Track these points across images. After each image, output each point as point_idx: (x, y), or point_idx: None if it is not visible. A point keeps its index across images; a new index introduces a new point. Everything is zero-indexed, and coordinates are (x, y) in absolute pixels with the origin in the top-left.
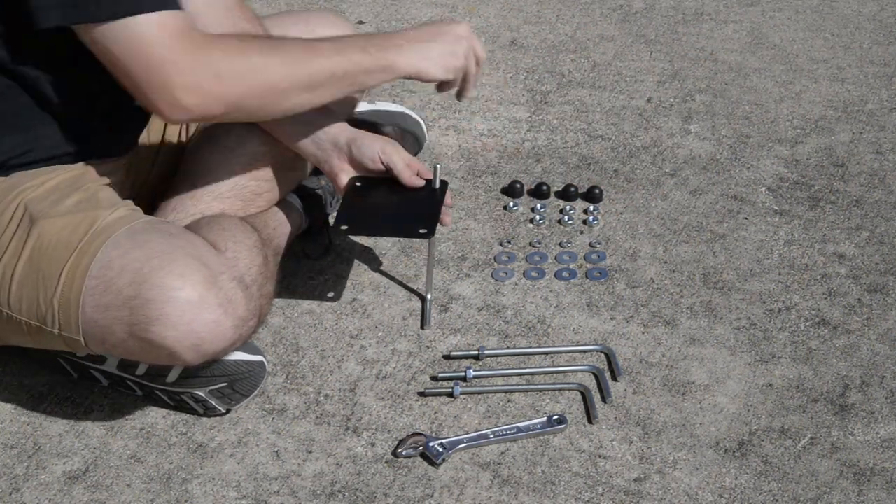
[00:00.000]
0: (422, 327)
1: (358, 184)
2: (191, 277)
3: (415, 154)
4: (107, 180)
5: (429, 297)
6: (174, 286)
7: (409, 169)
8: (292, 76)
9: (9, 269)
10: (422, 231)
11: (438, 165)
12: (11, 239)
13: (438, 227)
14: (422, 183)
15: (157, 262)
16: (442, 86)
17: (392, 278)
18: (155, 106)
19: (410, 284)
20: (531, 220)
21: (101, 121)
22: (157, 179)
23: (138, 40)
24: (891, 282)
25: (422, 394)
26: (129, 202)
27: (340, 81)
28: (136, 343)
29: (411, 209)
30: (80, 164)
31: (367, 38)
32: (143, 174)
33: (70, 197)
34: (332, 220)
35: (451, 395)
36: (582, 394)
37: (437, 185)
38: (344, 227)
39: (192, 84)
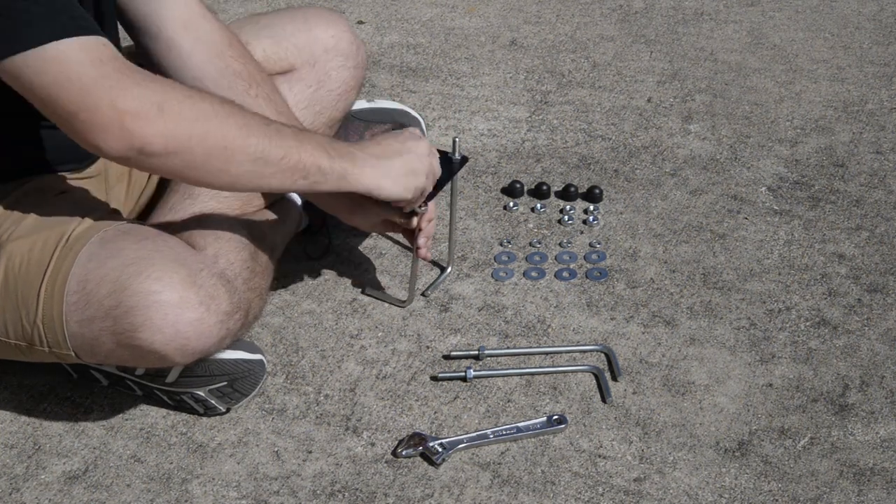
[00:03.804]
0: (423, 293)
1: None
2: (169, 279)
3: None
4: (67, 187)
5: (449, 269)
6: (153, 290)
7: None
8: (243, 137)
9: None
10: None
11: (457, 138)
12: None
13: (437, 228)
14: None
15: (133, 269)
16: (396, 204)
17: (392, 278)
18: (87, 132)
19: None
20: (531, 220)
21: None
22: (156, 181)
23: (65, 64)
24: (891, 282)
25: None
26: (97, 209)
27: (293, 171)
28: (125, 351)
29: None
30: (38, 177)
31: (330, 143)
32: (143, 180)
33: (30, 213)
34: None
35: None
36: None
37: (457, 156)
38: None
39: (131, 107)
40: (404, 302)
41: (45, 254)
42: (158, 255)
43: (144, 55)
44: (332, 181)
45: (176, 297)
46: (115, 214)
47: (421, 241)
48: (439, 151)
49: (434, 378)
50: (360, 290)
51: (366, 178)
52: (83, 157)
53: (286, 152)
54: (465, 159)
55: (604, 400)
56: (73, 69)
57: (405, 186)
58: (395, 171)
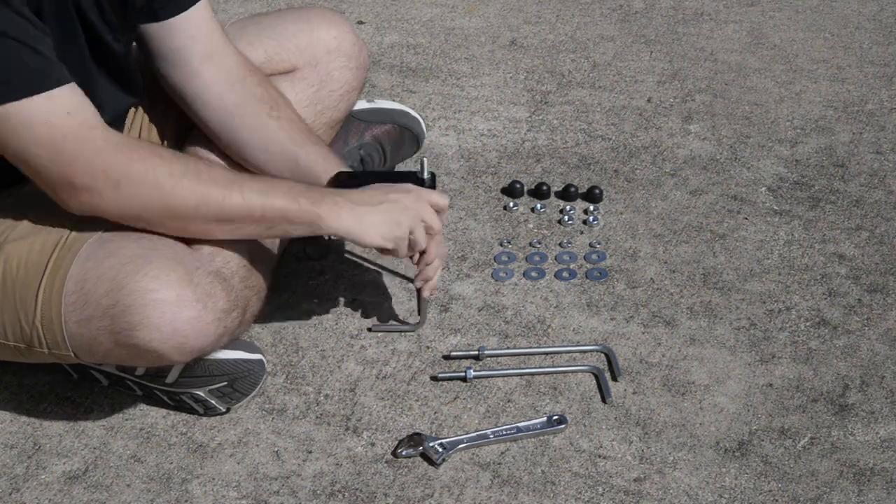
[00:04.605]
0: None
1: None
2: (166, 277)
3: (413, 152)
4: None
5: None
6: (150, 288)
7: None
8: (198, 208)
9: None
10: None
11: (425, 158)
12: None
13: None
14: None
15: (130, 268)
16: (384, 251)
17: (392, 278)
18: (53, 195)
19: (411, 285)
20: (531, 221)
21: None
22: None
23: (30, 125)
24: (891, 282)
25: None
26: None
27: (257, 223)
28: (123, 350)
29: None
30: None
31: (306, 189)
32: None
33: (27, 215)
34: None
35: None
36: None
37: (426, 176)
38: None
39: (86, 184)
40: (416, 326)
41: (44, 256)
42: (155, 253)
43: (163, 79)
44: (301, 227)
45: (173, 295)
46: None
47: (418, 283)
48: (407, 172)
49: (434, 378)
50: (359, 291)
51: (341, 223)
52: None
53: (248, 209)
54: (433, 177)
55: (604, 400)
56: (37, 132)
57: (383, 235)
58: (372, 219)
